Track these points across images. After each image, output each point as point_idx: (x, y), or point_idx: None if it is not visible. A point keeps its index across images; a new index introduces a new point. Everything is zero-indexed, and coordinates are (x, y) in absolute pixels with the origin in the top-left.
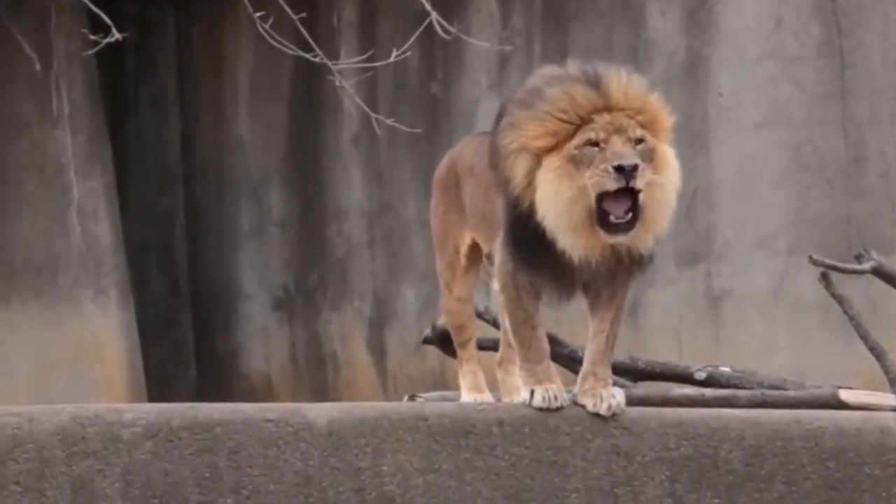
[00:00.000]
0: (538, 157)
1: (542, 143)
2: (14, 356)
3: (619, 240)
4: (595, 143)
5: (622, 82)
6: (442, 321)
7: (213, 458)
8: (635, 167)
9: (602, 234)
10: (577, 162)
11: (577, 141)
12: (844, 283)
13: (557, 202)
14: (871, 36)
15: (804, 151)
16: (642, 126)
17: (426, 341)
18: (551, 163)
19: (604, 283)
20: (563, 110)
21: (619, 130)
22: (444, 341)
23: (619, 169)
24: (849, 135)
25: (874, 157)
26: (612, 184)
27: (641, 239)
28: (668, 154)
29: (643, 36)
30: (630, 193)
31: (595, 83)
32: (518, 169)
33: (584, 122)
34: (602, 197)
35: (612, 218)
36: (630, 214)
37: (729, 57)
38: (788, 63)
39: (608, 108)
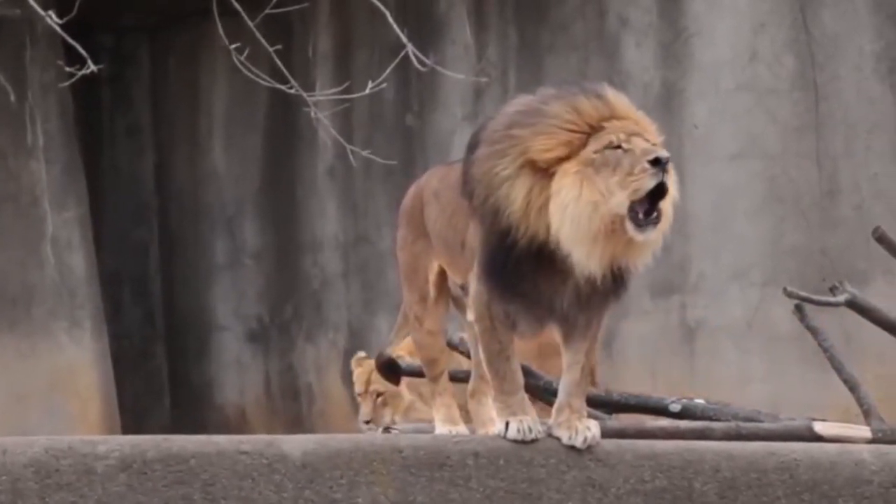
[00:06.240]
0: (543, 172)
1: (554, 154)
2: None
3: (647, 235)
4: (617, 146)
5: (617, 95)
6: (389, 350)
7: (188, 491)
8: (668, 159)
9: (632, 229)
10: (597, 166)
11: (594, 146)
12: (819, 315)
13: (579, 207)
14: (845, 68)
15: (779, 183)
16: None
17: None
18: (568, 169)
19: (581, 310)
20: (571, 121)
21: (636, 133)
22: (387, 370)
23: (656, 161)
24: (823, 167)
25: (848, 190)
26: (650, 180)
27: (643, 248)
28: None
29: (618, 67)
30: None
31: (597, 95)
32: (515, 193)
33: (593, 130)
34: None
35: (639, 215)
36: (655, 213)
37: (704, 89)
38: (763, 95)
39: (615, 117)
